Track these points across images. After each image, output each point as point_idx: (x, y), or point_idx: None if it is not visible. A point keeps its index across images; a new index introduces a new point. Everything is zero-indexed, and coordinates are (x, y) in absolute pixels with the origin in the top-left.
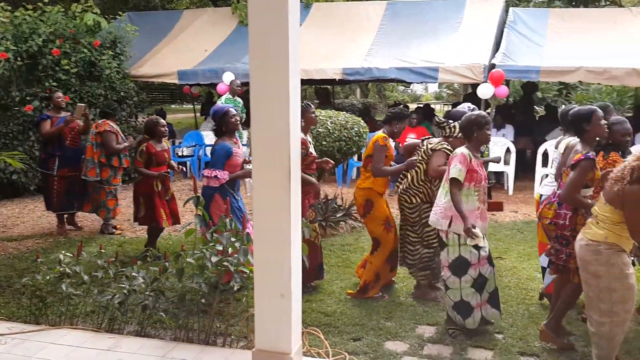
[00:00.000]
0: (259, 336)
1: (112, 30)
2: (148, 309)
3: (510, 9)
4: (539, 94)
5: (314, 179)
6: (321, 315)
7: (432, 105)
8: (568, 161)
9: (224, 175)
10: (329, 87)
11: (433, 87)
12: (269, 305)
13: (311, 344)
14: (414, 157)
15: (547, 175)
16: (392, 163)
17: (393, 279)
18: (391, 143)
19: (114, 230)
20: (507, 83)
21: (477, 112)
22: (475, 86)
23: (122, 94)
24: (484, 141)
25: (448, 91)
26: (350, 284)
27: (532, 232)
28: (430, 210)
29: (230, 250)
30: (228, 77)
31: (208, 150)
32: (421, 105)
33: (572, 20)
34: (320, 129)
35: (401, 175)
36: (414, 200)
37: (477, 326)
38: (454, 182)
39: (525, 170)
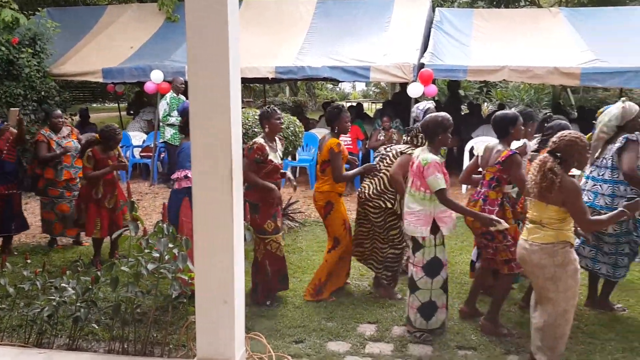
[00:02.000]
0: (200, 344)
1: (32, 27)
2: (80, 321)
3: (437, 9)
4: (461, 92)
5: (273, 185)
6: (262, 319)
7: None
8: (491, 160)
9: None
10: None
11: (361, 86)
12: (212, 313)
13: (253, 349)
14: (375, 162)
15: None
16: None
17: (347, 281)
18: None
19: (55, 245)
20: (433, 81)
21: (442, 114)
22: (403, 85)
23: (42, 93)
24: (445, 144)
25: (375, 89)
26: (291, 286)
27: (462, 226)
28: (392, 214)
29: (167, 257)
30: (157, 75)
31: (136, 151)
32: (353, 105)
33: (496, 20)
34: (256, 129)
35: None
36: (388, 205)
37: (439, 326)
38: (441, 192)
39: (453, 166)
